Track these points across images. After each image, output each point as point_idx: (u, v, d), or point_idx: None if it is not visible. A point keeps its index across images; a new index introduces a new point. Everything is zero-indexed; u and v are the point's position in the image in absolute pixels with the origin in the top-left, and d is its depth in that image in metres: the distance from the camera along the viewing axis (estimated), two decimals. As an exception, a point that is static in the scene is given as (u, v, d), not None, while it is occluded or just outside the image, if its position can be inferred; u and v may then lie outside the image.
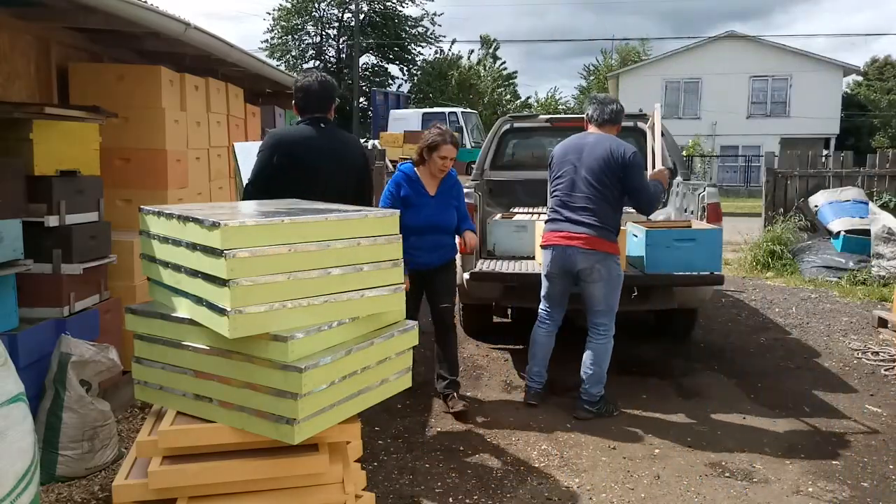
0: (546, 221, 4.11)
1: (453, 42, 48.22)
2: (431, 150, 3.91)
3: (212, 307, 1.97)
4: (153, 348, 2.23)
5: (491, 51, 35.86)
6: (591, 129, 4.05)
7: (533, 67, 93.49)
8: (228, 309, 1.89)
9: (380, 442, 3.69)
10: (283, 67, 22.76)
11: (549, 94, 42.54)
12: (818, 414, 4.11)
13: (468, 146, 15.23)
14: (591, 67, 44.56)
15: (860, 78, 36.14)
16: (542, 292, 4.13)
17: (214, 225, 1.91)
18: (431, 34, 34.51)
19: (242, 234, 1.92)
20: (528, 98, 41.04)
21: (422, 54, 34.96)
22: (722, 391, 4.47)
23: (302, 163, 3.14)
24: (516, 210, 5.89)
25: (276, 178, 3.12)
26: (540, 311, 4.17)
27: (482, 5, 71.97)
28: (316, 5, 33.49)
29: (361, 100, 30.48)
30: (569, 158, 3.96)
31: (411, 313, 3.51)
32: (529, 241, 5.11)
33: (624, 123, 4.23)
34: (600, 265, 3.85)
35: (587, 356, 3.98)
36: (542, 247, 4.07)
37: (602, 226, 3.84)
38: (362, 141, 20.38)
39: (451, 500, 3.10)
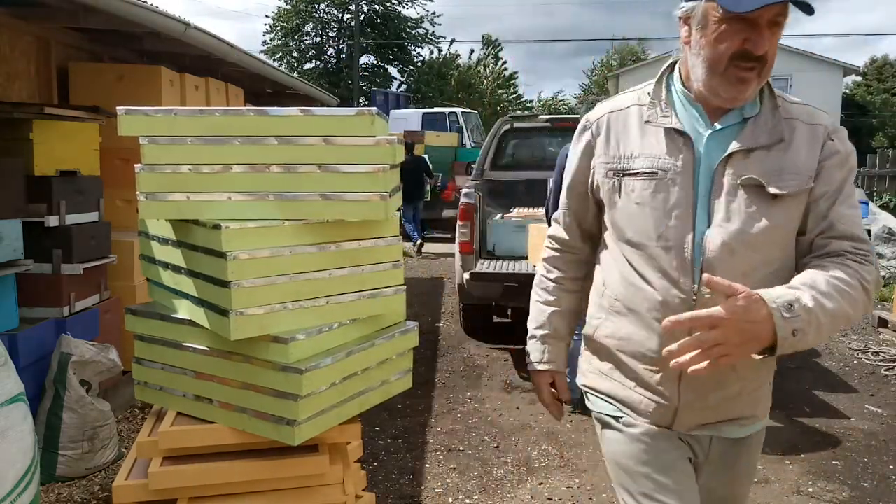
0: None
1: (452, 41, 48.10)
2: None
3: (213, 308, 1.96)
4: (153, 349, 2.23)
5: (490, 49, 35.73)
6: None
7: (536, 66, 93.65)
8: (230, 311, 1.89)
9: (380, 442, 3.69)
10: (283, 68, 22.77)
11: (554, 96, 42.50)
12: (818, 414, 4.11)
13: (468, 146, 15.21)
14: (593, 67, 44.61)
15: (860, 78, 36.10)
16: None
17: (216, 227, 1.91)
18: (431, 34, 34.46)
19: (244, 236, 1.91)
20: (531, 101, 40.92)
21: (421, 55, 34.94)
22: (722, 391, 4.47)
23: (404, 171, 7.22)
24: (517, 210, 5.89)
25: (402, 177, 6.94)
26: None
27: (483, 5, 71.96)
28: (316, 6, 33.45)
29: (361, 100, 30.43)
30: None
31: None
32: None
33: None
34: None
35: None
36: None
37: None
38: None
39: (451, 500, 3.10)
